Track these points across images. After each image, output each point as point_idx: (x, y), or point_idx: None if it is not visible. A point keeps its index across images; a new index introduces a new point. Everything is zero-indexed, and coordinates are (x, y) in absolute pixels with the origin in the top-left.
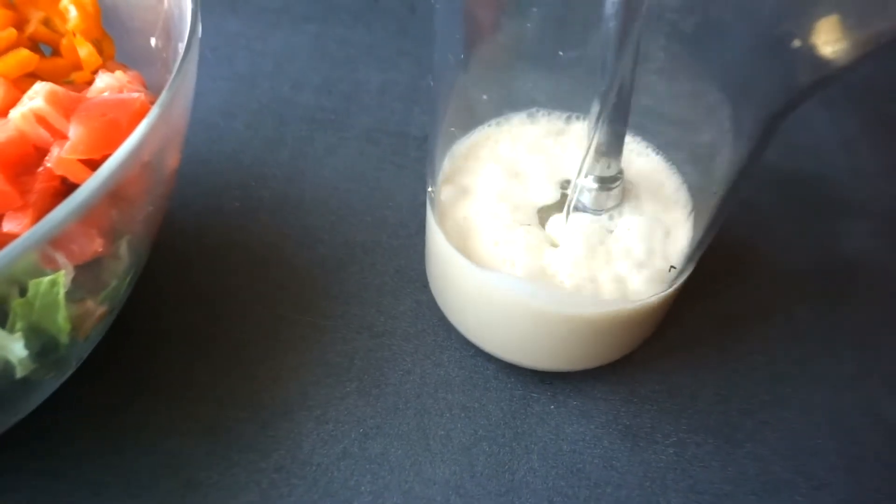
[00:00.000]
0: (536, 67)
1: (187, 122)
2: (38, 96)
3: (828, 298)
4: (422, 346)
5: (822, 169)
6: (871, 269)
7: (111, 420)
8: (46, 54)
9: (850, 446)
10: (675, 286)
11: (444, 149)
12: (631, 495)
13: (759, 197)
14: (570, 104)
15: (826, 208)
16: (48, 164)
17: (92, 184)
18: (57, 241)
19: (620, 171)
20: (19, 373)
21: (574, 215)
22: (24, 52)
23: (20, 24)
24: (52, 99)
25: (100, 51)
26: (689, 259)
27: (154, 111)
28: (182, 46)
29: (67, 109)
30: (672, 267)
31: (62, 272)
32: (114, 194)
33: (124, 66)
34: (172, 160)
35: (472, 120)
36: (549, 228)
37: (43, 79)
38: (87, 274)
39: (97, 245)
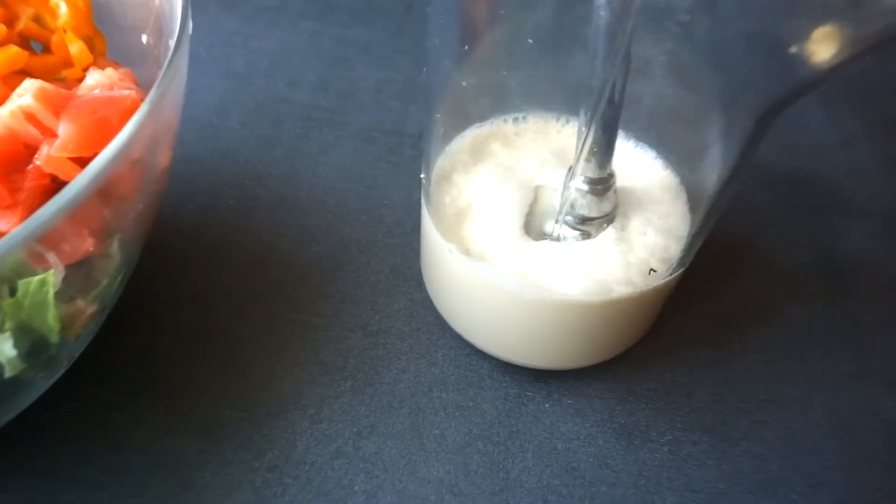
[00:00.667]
0: (533, 66)
1: (178, 119)
2: (27, 93)
3: (825, 297)
4: (416, 344)
5: (821, 168)
6: (870, 268)
7: (106, 419)
8: (37, 51)
9: (847, 445)
10: (669, 282)
11: (438, 145)
12: (626, 494)
13: (756, 195)
14: (567, 102)
15: (824, 207)
16: (38, 162)
17: (80, 181)
18: (47, 239)
19: (612, 175)
20: (8, 372)
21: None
22: (13, 49)
23: (10, 21)
24: (41, 96)
25: (91, 48)
26: (684, 256)
27: (143, 108)
28: (173, 43)
29: (57, 107)
30: (652, 270)
31: (52, 271)
32: (104, 192)
33: (115, 64)
34: (164, 158)
35: (467, 117)
36: (543, 226)
37: (33, 76)
38: (78, 273)
39: (88, 244)
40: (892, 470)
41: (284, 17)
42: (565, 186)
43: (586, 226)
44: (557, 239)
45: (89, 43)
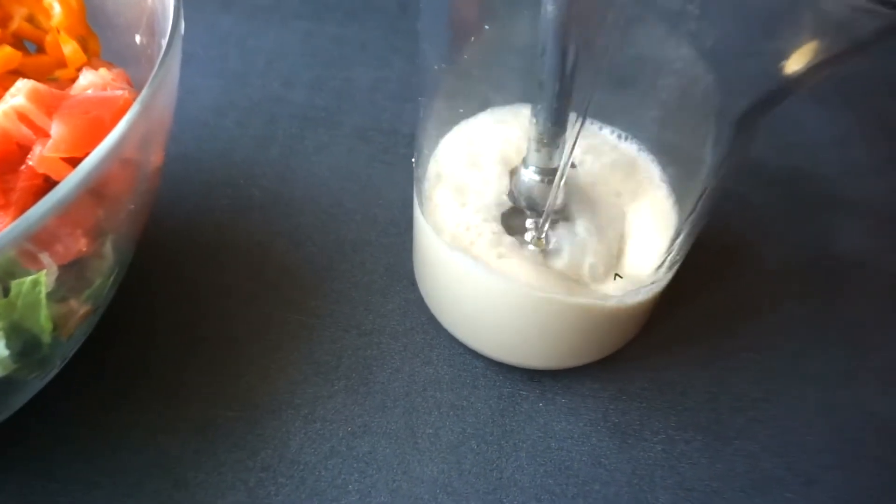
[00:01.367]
0: (523, 62)
1: (171, 118)
2: (20, 94)
3: (820, 295)
4: (410, 344)
5: (816, 167)
6: (864, 267)
7: (100, 419)
8: (30, 51)
9: (840, 443)
10: (663, 282)
11: (431, 143)
12: (619, 492)
13: (751, 194)
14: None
15: (819, 206)
16: (30, 163)
17: (71, 180)
18: (39, 239)
19: (569, 165)
20: (0, 372)
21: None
22: (7, 49)
23: (3, 21)
24: (34, 96)
25: (84, 48)
26: (674, 258)
27: (135, 108)
28: (165, 42)
29: (50, 107)
30: (617, 275)
31: (44, 271)
32: (96, 192)
33: (109, 64)
34: (156, 157)
35: (458, 114)
36: (531, 224)
37: (26, 76)
38: (71, 273)
39: (81, 244)
40: (886, 468)
41: (279, 17)
42: (518, 175)
43: (542, 182)
44: (537, 236)
45: (83, 43)
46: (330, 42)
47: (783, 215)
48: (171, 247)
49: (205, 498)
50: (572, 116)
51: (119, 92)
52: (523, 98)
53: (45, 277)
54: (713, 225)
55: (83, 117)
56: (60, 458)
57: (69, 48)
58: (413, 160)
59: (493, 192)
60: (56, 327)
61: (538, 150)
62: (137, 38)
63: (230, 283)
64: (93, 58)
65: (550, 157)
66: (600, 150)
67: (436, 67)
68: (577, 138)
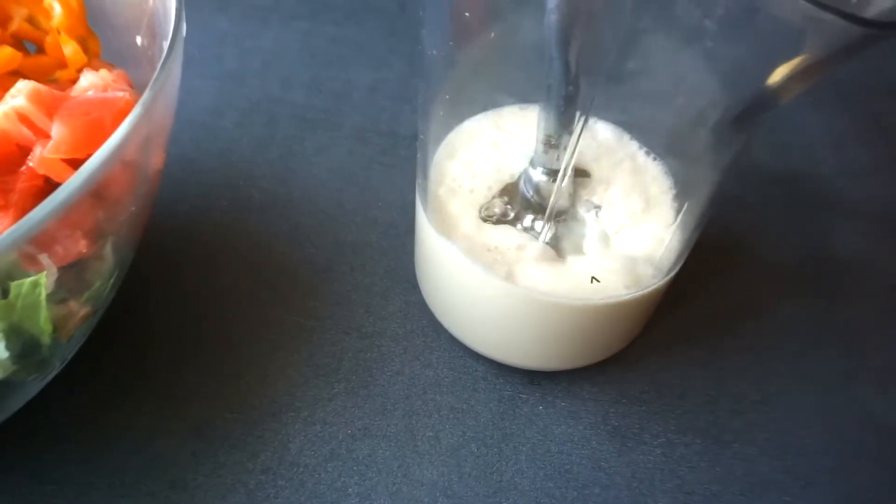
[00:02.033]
0: (528, 59)
1: (172, 121)
2: (20, 95)
3: (817, 296)
4: (411, 347)
5: (813, 168)
6: (861, 268)
7: (98, 420)
8: (30, 52)
9: (839, 445)
10: (662, 282)
11: (434, 144)
12: (619, 496)
13: (749, 195)
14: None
15: (816, 207)
16: (31, 164)
17: (73, 183)
18: (40, 241)
19: (575, 168)
20: (0, 374)
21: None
22: (7, 50)
23: (3, 22)
24: (34, 97)
25: (85, 49)
26: (675, 259)
27: (136, 110)
28: (167, 44)
29: (50, 108)
30: (593, 278)
31: (44, 273)
32: (97, 194)
33: (109, 65)
34: (157, 159)
35: (462, 114)
36: (534, 225)
37: (27, 77)
38: (71, 275)
39: (81, 246)
40: (884, 470)
41: (277, 17)
42: (526, 175)
43: (550, 182)
44: (541, 232)
45: (83, 44)
46: (328, 43)
47: (781, 216)
48: (169, 248)
49: (203, 500)
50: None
51: (120, 93)
52: (527, 97)
53: (45, 279)
54: (711, 226)
55: (84, 118)
56: (57, 459)
57: (69, 49)
58: (416, 160)
59: (497, 192)
60: (56, 329)
61: (546, 152)
62: (138, 40)
63: (229, 285)
64: (93, 59)
65: (558, 158)
66: (605, 150)
67: (439, 66)
68: (579, 136)
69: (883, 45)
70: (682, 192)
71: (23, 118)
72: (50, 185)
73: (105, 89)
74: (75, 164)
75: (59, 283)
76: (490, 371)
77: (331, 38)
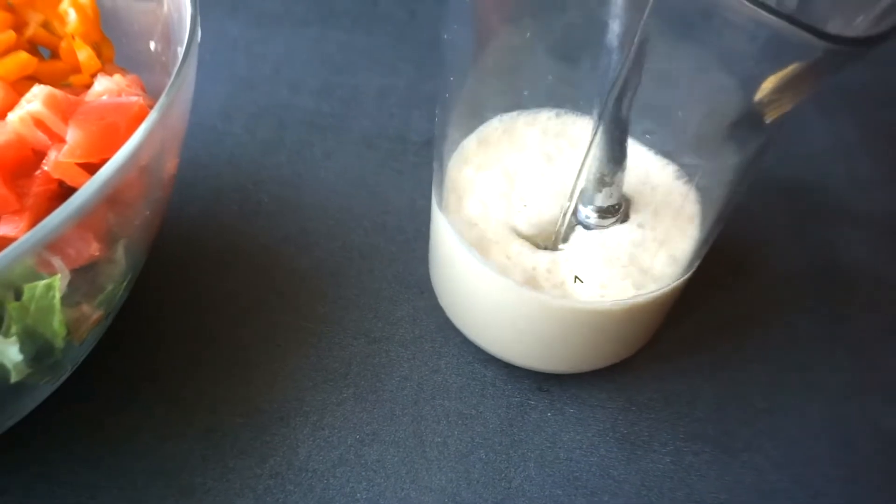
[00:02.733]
0: (548, 67)
1: (186, 126)
2: (36, 99)
3: (825, 306)
4: (419, 352)
5: (821, 177)
6: (870, 278)
7: (107, 424)
8: (45, 57)
9: (847, 455)
10: (671, 287)
11: (451, 147)
12: (628, 503)
13: (757, 204)
14: (582, 104)
15: (824, 216)
16: (46, 168)
17: (89, 188)
18: (53, 245)
19: (622, 198)
20: (14, 377)
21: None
22: (22, 55)
23: (19, 27)
24: (50, 102)
25: (99, 54)
26: (692, 261)
27: (152, 115)
28: (181, 50)
29: (65, 113)
30: (577, 278)
31: (58, 276)
32: (111, 198)
33: (123, 70)
34: (170, 164)
35: (480, 118)
36: (550, 230)
37: (41, 82)
38: (84, 278)
39: (94, 249)
40: (891, 480)
41: (288, 23)
42: (570, 205)
43: (601, 219)
44: (566, 238)
45: (97, 49)
46: (338, 49)
47: (790, 226)
48: (178, 252)
49: None
50: (589, 124)
51: (134, 98)
52: (547, 102)
53: (58, 282)
54: (719, 236)
55: (98, 123)
56: (65, 462)
57: (84, 54)
58: (425, 165)
59: (515, 198)
60: (69, 332)
61: (598, 191)
62: (152, 45)
63: (238, 289)
64: (107, 64)
65: (611, 195)
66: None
67: (457, 69)
68: (591, 144)
69: (892, 54)
70: (702, 197)
71: (38, 123)
72: (64, 189)
73: (119, 94)
74: (90, 168)
75: (73, 286)
76: (499, 377)
77: (340, 45)
